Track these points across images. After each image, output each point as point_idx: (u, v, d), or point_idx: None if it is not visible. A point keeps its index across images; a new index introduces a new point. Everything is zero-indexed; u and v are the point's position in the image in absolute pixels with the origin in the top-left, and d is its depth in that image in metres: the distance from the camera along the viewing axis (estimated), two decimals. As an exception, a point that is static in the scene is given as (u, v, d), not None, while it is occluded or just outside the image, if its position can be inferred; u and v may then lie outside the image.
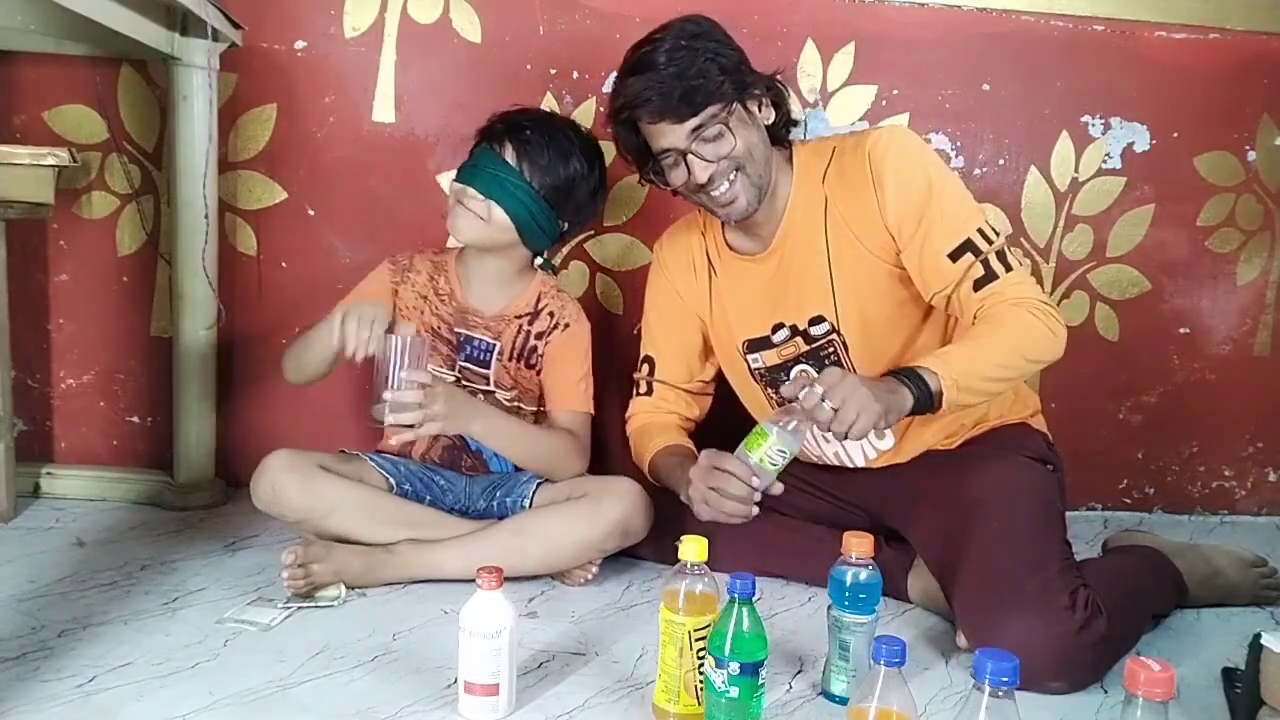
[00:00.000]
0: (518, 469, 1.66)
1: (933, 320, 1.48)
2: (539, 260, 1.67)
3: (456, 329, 1.64)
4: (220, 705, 1.09)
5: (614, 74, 1.47)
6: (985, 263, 1.35)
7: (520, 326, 1.64)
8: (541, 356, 1.65)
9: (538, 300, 1.66)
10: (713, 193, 1.42)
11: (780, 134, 1.49)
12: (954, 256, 1.36)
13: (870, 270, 1.44)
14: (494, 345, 1.63)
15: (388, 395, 1.38)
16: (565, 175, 1.56)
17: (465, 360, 1.65)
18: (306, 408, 1.85)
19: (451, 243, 1.71)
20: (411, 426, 1.41)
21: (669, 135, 1.40)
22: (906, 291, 1.44)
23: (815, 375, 1.30)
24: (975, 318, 1.36)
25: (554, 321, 1.65)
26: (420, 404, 1.40)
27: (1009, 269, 1.36)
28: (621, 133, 1.47)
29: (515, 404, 1.66)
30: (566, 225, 1.63)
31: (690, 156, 1.40)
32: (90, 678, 1.14)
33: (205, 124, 1.73)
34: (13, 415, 1.75)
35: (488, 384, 1.65)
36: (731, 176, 1.41)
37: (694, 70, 1.37)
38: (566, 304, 1.68)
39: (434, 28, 1.87)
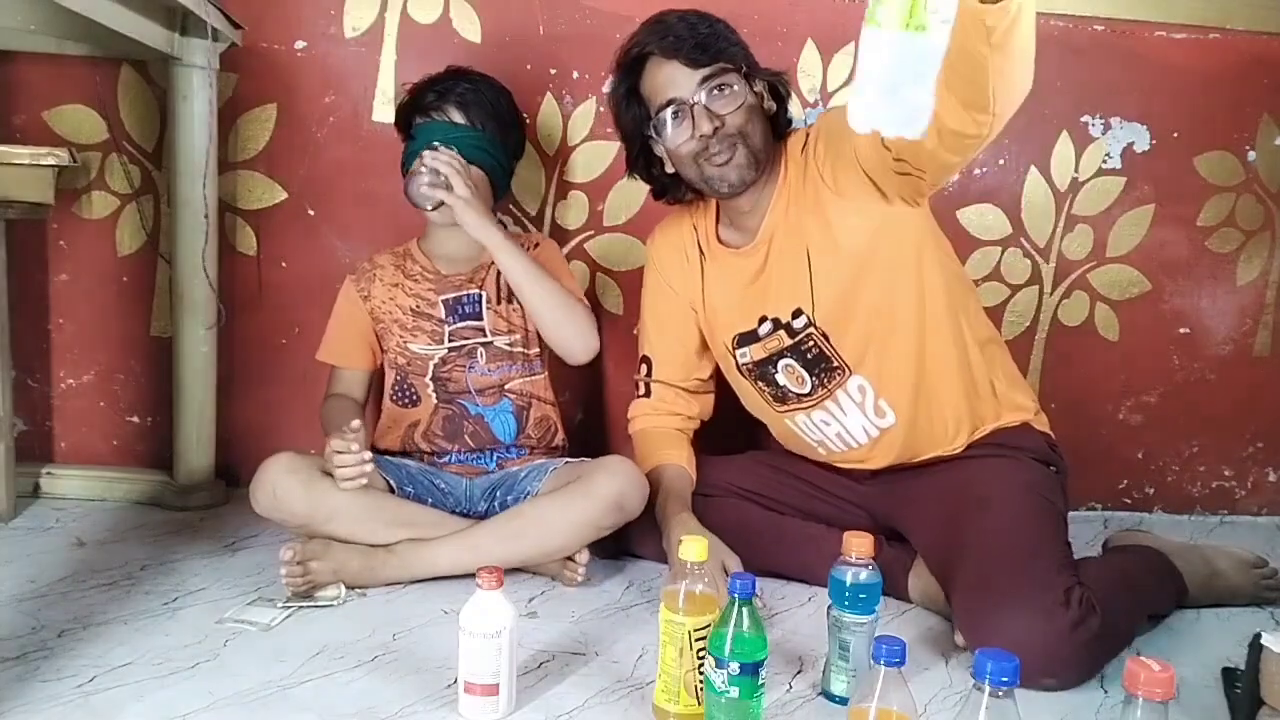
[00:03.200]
0: (520, 435, 1.67)
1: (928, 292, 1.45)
2: (502, 219, 1.77)
3: (442, 296, 1.67)
4: (220, 705, 1.09)
5: (614, 75, 1.48)
6: None
7: (499, 270, 1.66)
8: None
9: None
10: (711, 152, 1.41)
11: (779, 130, 1.50)
12: None
13: (859, 226, 1.41)
14: (481, 295, 1.67)
15: (427, 156, 1.53)
16: (505, 108, 1.66)
17: (458, 321, 1.67)
18: (307, 408, 1.85)
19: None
20: (435, 189, 1.52)
21: (678, 82, 1.40)
22: (900, 245, 1.42)
23: None
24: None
25: (524, 245, 1.67)
26: (448, 176, 1.51)
27: None
28: (622, 98, 1.47)
29: (514, 348, 1.68)
30: (515, 162, 1.73)
31: (697, 108, 1.40)
32: (90, 678, 1.14)
33: (205, 124, 1.73)
34: (13, 415, 1.75)
35: (484, 335, 1.67)
36: (732, 141, 1.41)
37: (710, 27, 1.42)
38: (532, 233, 1.76)
39: (434, 28, 1.87)
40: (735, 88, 1.41)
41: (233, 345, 1.92)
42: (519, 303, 1.65)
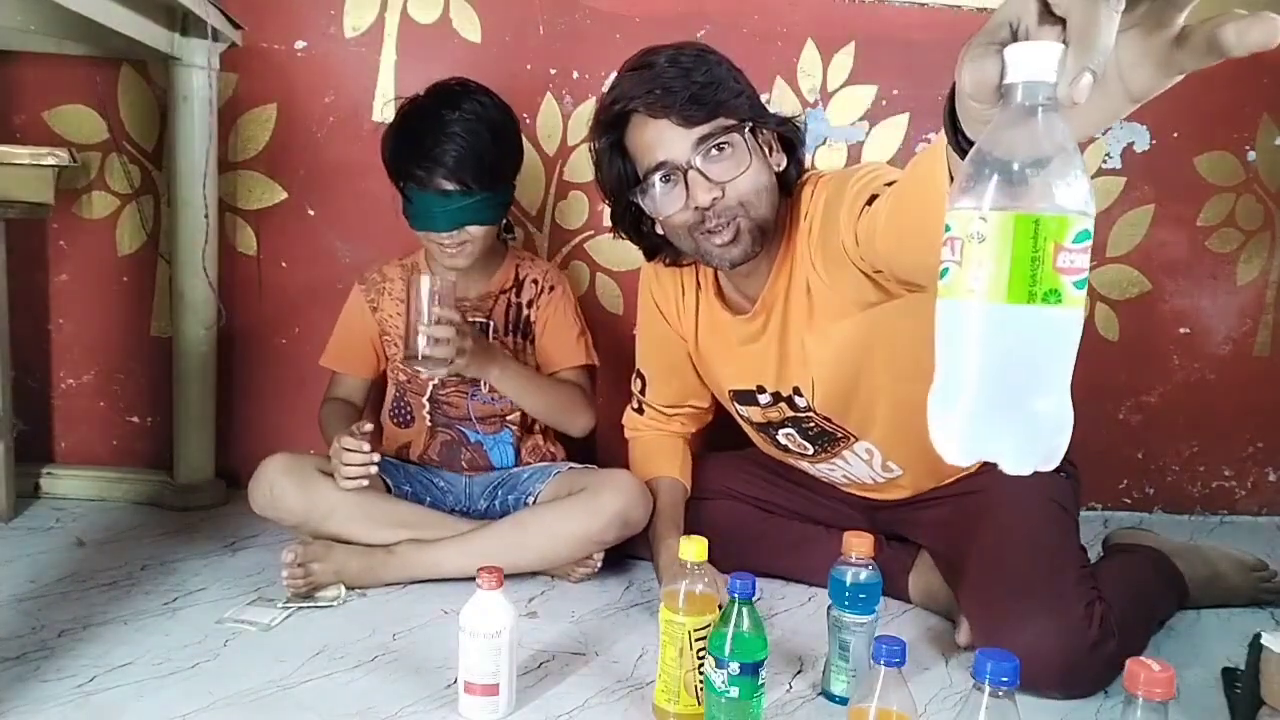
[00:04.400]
0: (517, 464, 1.66)
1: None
2: (507, 237, 1.73)
3: None
4: (220, 705, 1.09)
5: (614, 74, 1.40)
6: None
7: (508, 300, 1.66)
8: (534, 323, 1.67)
9: (517, 271, 1.68)
10: (709, 227, 1.23)
11: (789, 185, 1.30)
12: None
13: (857, 323, 1.26)
14: (488, 324, 1.65)
15: (424, 329, 1.40)
16: (497, 154, 1.53)
17: None
18: (306, 408, 1.85)
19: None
20: (443, 364, 1.42)
21: (669, 143, 1.21)
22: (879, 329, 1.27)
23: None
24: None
25: (539, 287, 1.67)
26: (452, 340, 1.40)
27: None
28: (604, 152, 1.31)
29: None
30: (516, 175, 1.64)
31: (692, 173, 1.20)
32: (90, 678, 1.14)
33: (205, 124, 1.73)
34: (13, 415, 1.75)
35: None
36: (734, 214, 1.22)
37: (707, 73, 1.21)
38: (547, 269, 1.71)
39: (434, 28, 1.87)
40: (738, 148, 1.20)
41: (233, 345, 1.92)
42: (524, 337, 1.66)
